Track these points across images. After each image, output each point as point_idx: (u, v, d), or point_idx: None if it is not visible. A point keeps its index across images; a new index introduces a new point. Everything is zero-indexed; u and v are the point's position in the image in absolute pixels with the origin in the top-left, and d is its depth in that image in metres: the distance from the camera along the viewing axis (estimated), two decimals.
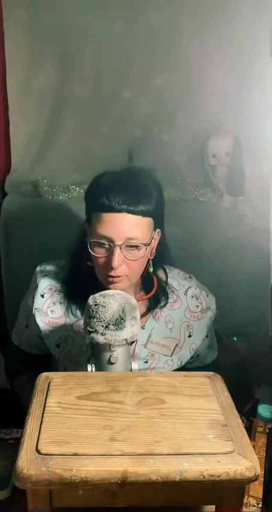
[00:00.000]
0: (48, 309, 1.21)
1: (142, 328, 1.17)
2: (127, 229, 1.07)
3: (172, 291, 1.23)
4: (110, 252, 1.08)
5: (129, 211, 1.06)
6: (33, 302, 1.21)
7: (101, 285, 1.13)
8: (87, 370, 0.96)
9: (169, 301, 1.22)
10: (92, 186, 1.13)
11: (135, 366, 0.97)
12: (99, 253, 1.09)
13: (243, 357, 1.67)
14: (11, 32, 1.67)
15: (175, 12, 1.60)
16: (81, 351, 1.18)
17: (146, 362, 1.21)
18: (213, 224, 1.67)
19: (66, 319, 1.21)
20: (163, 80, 1.67)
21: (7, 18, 1.65)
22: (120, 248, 1.07)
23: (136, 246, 1.08)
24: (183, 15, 1.61)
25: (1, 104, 1.75)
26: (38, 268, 1.25)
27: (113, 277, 1.09)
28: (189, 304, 1.23)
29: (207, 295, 1.25)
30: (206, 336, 1.26)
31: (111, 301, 0.95)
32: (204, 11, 1.61)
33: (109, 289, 1.09)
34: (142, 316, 1.15)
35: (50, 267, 1.24)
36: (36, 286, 1.22)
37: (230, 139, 1.71)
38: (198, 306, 1.23)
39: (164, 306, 1.22)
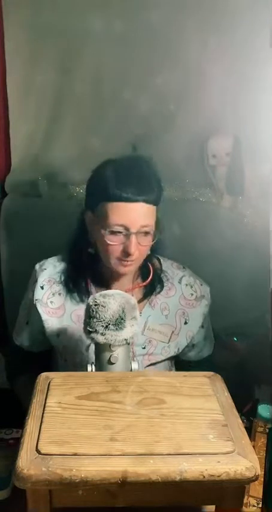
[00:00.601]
0: (48, 300, 1.25)
1: (140, 314, 1.20)
2: (142, 218, 1.12)
3: (167, 279, 1.28)
4: (126, 239, 1.12)
5: (144, 201, 1.11)
6: (33, 294, 1.26)
7: (101, 270, 1.22)
8: (87, 369, 0.97)
9: (164, 289, 1.26)
10: (98, 176, 1.16)
11: (135, 365, 0.98)
12: (113, 240, 1.13)
13: (243, 357, 1.67)
14: (11, 32, 1.67)
15: (176, 12, 1.60)
16: (80, 340, 1.21)
17: (144, 348, 1.24)
18: (213, 224, 1.67)
19: (65, 310, 1.25)
20: (164, 79, 1.67)
21: (7, 18, 1.65)
22: (135, 235, 1.12)
23: (148, 232, 1.14)
24: (183, 14, 1.61)
25: (1, 104, 1.75)
26: (37, 265, 1.30)
27: (127, 261, 1.15)
28: (184, 292, 1.27)
29: (201, 284, 1.30)
30: (202, 326, 1.29)
31: (111, 301, 0.95)
32: (204, 11, 1.60)
33: (119, 273, 1.18)
34: (138, 302, 1.18)
35: (47, 263, 1.29)
36: (36, 280, 1.27)
37: (230, 139, 1.71)
38: (192, 294, 1.28)
39: (159, 292, 1.26)
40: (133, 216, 1.11)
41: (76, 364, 1.24)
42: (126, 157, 1.20)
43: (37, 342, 1.32)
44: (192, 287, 1.28)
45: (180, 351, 1.28)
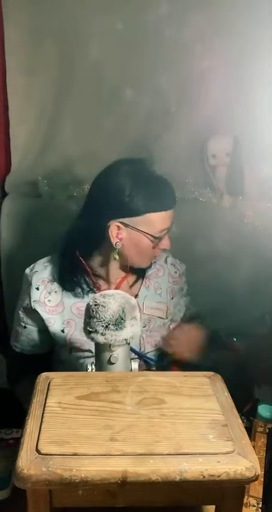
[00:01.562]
0: (45, 299, 1.28)
1: (137, 296, 1.32)
2: (172, 218, 1.25)
3: (155, 262, 1.38)
4: (163, 237, 1.25)
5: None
6: (30, 297, 1.28)
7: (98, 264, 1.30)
8: (87, 368, 0.97)
9: (154, 270, 1.38)
10: (143, 193, 1.19)
11: (135, 365, 0.98)
12: (155, 242, 1.23)
13: (243, 357, 1.67)
14: (11, 32, 1.66)
15: (175, 12, 1.60)
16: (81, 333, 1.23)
17: (144, 326, 1.32)
18: (213, 224, 1.67)
19: (64, 305, 1.28)
20: (164, 80, 1.67)
21: (7, 17, 1.65)
22: None
23: None
24: (182, 14, 1.61)
25: (1, 104, 1.75)
26: (27, 270, 1.33)
27: (158, 256, 1.31)
28: (170, 271, 1.40)
29: (180, 263, 1.44)
30: (186, 295, 1.44)
31: (111, 301, 0.95)
32: (204, 10, 1.60)
33: (143, 267, 1.30)
34: (134, 283, 1.34)
35: (37, 265, 1.32)
36: (30, 284, 1.29)
37: (230, 139, 1.71)
38: (176, 272, 1.42)
39: (150, 270, 1.36)
40: (170, 219, 1.24)
41: (81, 353, 1.26)
42: (142, 163, 1.25)
43: (39, 343, 1.33)
44: (174, 266, 1.42)
45: (178, 321, 1.40)
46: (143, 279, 1.35)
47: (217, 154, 1.72)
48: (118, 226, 1.21)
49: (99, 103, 1.71)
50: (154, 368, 1.38)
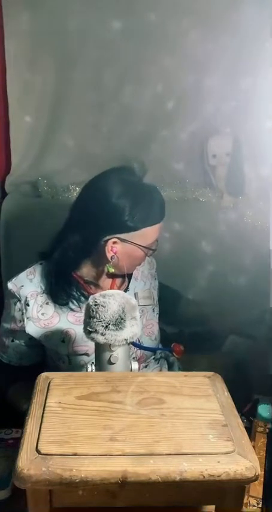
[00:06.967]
0: (38, 313, 1.24)
1: (128, 289, 1.33)
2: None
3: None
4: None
5: None
6: (22, 314, 1.24)
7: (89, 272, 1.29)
8: (87, 369, 0.97)
9: None
10: (144, 209, 1.21)
11: (135, 365, 0.98)
12: (146, 252, 1.26)
13: (243, 357, 1.67)
14: (11, 31, 1.66)
15: (175, 11, 1.60)
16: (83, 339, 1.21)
17: (140, 317, 1.29)
18: (213, 224, 1.67)
19: (60, 315, 1.25)
20: (164, 79, 1.67)
21: (7, 17, 1.65)
22: None
23: None
24: (182, 13, 1.61)
25: (1, 104, 1.75)
26: (9, 285, 1.26)
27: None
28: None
29: None
30: (156, 277, 1.47)
31: (111, 301, 0.95)
32: (204, 9, 1.60)
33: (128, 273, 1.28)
34: (122, 283, 1.33)
35: (21, 279, 1.27)
36: (18, 300, 1.25)
37: (230, 139, 1.71)
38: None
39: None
40: (160, 229, 1.26)
41: (83, 361, 1.24)
42: (134, 173, 1.27)
43: (27, 356, 1.30)
44: None
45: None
46: (131, 276, 1.35)
47: (217, 154, 1.72)
48: (114, 242, 1.21)
49: (99, 102, 1.71)
50: (160, 355, 1.41)
